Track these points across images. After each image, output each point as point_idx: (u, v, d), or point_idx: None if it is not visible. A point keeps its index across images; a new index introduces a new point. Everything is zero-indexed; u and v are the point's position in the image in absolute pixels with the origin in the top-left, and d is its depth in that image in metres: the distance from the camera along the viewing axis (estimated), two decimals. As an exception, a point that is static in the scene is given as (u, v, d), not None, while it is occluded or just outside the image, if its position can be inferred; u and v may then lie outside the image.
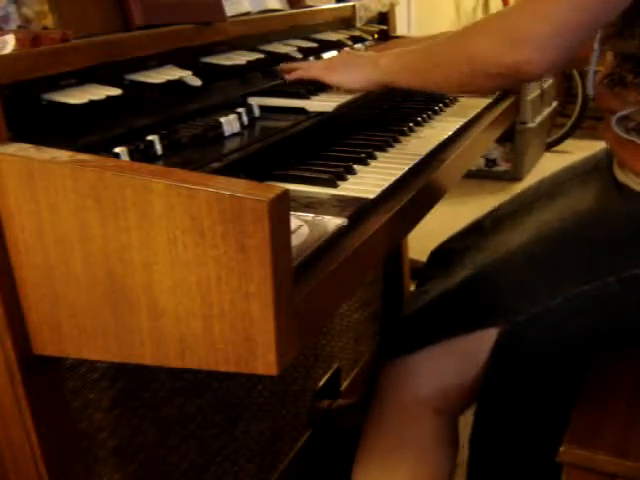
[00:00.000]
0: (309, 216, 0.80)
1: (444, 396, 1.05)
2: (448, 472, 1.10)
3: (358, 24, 1.55)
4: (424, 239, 1.89)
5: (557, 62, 0.86)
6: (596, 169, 1.19)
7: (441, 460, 1.08)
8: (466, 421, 1.12)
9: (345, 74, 1.08)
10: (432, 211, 1.09)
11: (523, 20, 0.85)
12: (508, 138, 3.53)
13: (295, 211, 0.80)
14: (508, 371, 1.00)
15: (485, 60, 0.90)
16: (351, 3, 1.53)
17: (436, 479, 1.08)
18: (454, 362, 1.04)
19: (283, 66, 1.17)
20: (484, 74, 0.92)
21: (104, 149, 0.77)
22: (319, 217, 0.79)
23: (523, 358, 0.99)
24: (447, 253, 1.23)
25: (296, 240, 0.72)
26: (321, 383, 1.42)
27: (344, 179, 0.95)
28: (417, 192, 0.96)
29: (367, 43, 1.53)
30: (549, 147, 4.11)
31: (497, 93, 1.54)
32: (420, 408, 1.05)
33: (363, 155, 1.04)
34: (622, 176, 1.08)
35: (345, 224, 0.79)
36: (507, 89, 1.13)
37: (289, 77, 1.15)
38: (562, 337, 0.97)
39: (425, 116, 1.28)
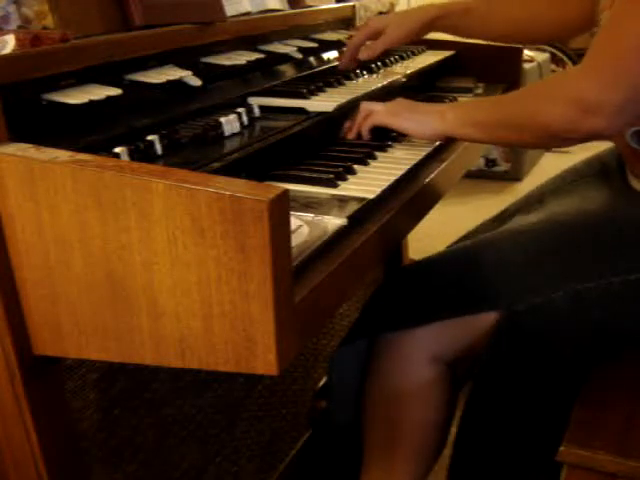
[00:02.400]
0: (309, 216, 0.80)
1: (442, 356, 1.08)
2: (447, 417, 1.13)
3: (358, 24, 1.55)
4: (424, 239, 1.89)
5: (630, 119, 0.90)
6: (604, 173, 1.19)
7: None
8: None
9: (411, 121, 1.09)
10: (432, 211, 1.09)
11: (592, 89, 0.87)
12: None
13: (295, 211, 0.80)
14: (504, 361, 1.01)
15: (561, 128, 0.92)
16: (351, 3, 1.53)
17: (437, 424, 1.11)
18: (453, 338, 1.06)
19: (346, 128, 1.16)
20: (559, 139, 0.95)
21: (104, 149, 0.77)
22: (319, 217, 0.80)
23: (520, 349, 0.99)
24: None
25: (296, 240, 0.72)
26: (321, 383, 1.42)
27: (344, 179, 0.95)
28: (417, 192, 0.96)
29: (367, 43, 1.53)
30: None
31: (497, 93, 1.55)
32: (418, 360, 1.08)
33: (363, 155, 1.04)
34: (637, 184, 1.08)
35: (345, 224, 0.79)
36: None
37: (350, 135, 1.14)
38: (561, 331, 0.97)
39: (425, 116, 1.28)
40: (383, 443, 1.12)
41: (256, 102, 1.07)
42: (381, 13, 1.65)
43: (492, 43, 1.66)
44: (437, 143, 1.12)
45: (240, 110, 0.99)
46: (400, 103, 1.13)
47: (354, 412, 1.17)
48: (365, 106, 1.13)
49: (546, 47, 4.09)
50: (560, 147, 1.15)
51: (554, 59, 4.16)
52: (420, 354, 1.07)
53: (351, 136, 1.14)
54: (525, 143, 1.02)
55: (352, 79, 1.29)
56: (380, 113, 1.11)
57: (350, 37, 1.38)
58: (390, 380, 1.10)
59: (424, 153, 1.07)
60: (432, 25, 1.33)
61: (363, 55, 1.31)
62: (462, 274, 1.05)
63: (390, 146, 1.11)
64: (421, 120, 1.08)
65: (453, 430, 1.11)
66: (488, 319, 1.01)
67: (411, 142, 1.13)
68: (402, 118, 1.09)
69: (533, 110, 0.95)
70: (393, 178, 0.95)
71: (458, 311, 1.03)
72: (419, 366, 1.07)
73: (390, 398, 1.11)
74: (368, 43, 1.34)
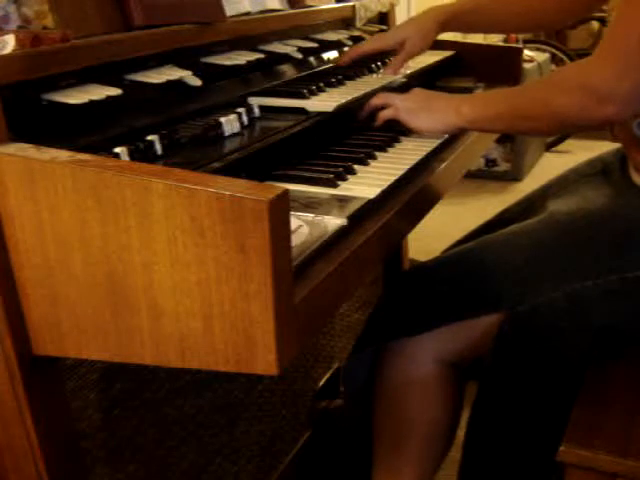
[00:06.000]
0: (309, 216, 0.80)
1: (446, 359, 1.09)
2: (451, 423, 1.14)
3: (358, 24, 1.55)
4: (424, 239, 1.89)
5: (637, 111, 0.95)
6: (605, 172, 1.19)
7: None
8: (463, 422, 1.13)
9: (426, 119, 1.12)
10: (432, 211, 1.09)
11: (605, 79, 0.91)
12: (508, 138, 3.53)
13: (295, 211, 0.80)
14: (508, 362, 1.01)
15: (574, 117, 0.96)
16: (351, 3, 1.53)
17: (442, 422, 1.11)
18: (456, 339, 1.06)
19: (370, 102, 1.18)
20: (574, 126, 1.00)
21: (104, 149, 0.77)
22: (319, 217, 0.79)
23: (523, 349, 1.00)
24: None
25: (296, 240, 0.72)
26: (321, 383, 1.42)
27: (344, 179, 0.95)
28: (417, 192, 0.96)
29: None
30: (549, 147, 4.11)
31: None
32: (422, 360, 1.09)
33: (363, 155, 1.04)
34: (638, 178, 1.09)
35: (345, 224, 0.79)
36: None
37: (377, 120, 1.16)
38: (562, 331, 0.98)
39: (425, 116, 1.28)
40: (391, 441, 1.12)
41: (256, 102, 1.07)
42: (381, 13, 1.65)
43: (492, 43, 1.66)
44: (437, 143, 1.12)
45: (240, 110, 0.99)
46: (417, 98, 1.14)
47: (364, 413, 1.17)
48: (383, 95, 1.16)
49: (546, 47, 4.09)
50: (575, 132, 1.25)
51: (554, 59, 4.16)
52: (424, 355, 1.08)
53: (365, 114, 1.17)
54: (541, 132, 1.11)
55: (352, 79, 1.29)
56: (398, 109, 1.13)
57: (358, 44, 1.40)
58: (396, 380, 1.11)
59: (424, 153, 1.07)
60: (445, 26, 1.35)
61: (388, 71, 1.34)
62: (463, 277, 1.05)
63: (390, 146, 1.11)
64: (436, 117, 1.11)
65: (462, 433, 1.11)
66: (490, 320, 1.01)
67: (411, 142, 1.13)
68: (417, 117, 1.12)
69: (547, 100, 0.98)
70: (393, 178, 0.95)
71: (461, 315, 1.04)
72: (423, 366, 1.08)
73: (396, 397, 1.11)
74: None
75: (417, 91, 1.16)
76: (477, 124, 1.08)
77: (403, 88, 1.36)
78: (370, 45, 1.36)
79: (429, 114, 1.11)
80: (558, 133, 1.14)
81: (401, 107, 1.13)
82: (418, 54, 1.37)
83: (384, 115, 1.15)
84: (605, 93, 0.90)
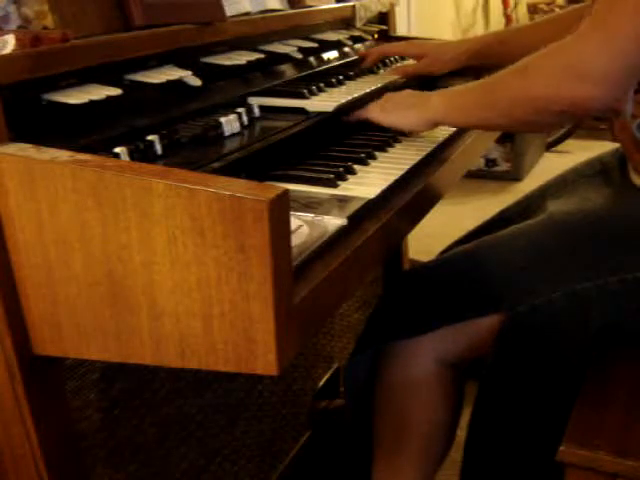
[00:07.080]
0: (309, 216, 0.80)
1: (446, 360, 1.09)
2: (452, 424, 1.14)
3: (358, 24, 1.55)
4: (424, 239, 1.89)
5: (618, 97, 0.87)
6: (604, 173, 1.19)
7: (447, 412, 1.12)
8: (463, 422, 1.13)
9: (398, 116, 1.09)
10: (432, 211, 1.09)
11: (582, 54, 0.86)
12: (508, 138, 3.53)
13: (295, 211, 0.80)
14: (509, 363, 1.01)
15: (551, 98, 0.90)
16: (351, 3, 1.53)
17: (442, 422, 1.11)
18: (456, 340, 1.06)
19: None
20: (552, 112, 0.92)
21: (104, 149, 0.77)
22: (319, 217, 0.79)
23: (523, 349, 1.00)
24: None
25: (296, 240, 0.72)
26: (321, 383, 1.42)
27: (344, 179, 0.94)
28: (417, 192, 0.96)
29: (367, 43, 1.54)
30: (549, 147, 4.11)
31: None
32: (422, 361, 1.09)
33: (363, 155, 1.04)
34: (638, 180, 1.08)
35: (345, 224, 0.79)
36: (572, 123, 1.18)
37: (351, 118, 1.15)
38: (562, 331, 0.98)
39: (425, 116, 1.27)
40: (391, 441, 1.12)
41: (256, 102, 1.07)
42: (381, 13, 1.65)
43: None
44: (437, 143, 1.12)
45: (240, 110, 0.99)
46: (398, 96, 1.12)
47: (364, 413, 1.17)
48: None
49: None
50: (553, 125, 1.15)
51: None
52: (424, 355, 1.08)
53: (352, 118, 1.15)
54: (515, 122, 0.99)
55: (352, 79, 1.29)
56: (367, 109, 1.12)
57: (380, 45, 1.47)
58: (396, 380, 1.11)
59: (424, 153, 1.07)
60: (468, 58, 1.36)
61: (389, 71, 1.38)
62: (464, 278, 1.05)
63: (390, 146, 1.11)
64: (409, 113, 1.08)
65: (462, 433, 1.11)
66: (491, 321, 1.01)
67: (411, 142, 1.13)
68: (389, 114, 1.10)
69: (522, 82, 0.93)
70: (393, 178, 0.95)
71: (461, 316, 1.04)
72: (423, 366, 1.08)
73: (396, 398, 1.11)
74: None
75: (405, 91, 1.14)
76: (447, 116, 1.04)
77: (402, 88, 1.36)
78: (393, 47, 1.42)
79: (402, 111, 1.08)
80: (533, 124, 1.03)
81: (372, 107, 1.11)
82: (429, 72, 1.38)
83: (355, 115, 1.13)
84: (583, 69, 0.86)
